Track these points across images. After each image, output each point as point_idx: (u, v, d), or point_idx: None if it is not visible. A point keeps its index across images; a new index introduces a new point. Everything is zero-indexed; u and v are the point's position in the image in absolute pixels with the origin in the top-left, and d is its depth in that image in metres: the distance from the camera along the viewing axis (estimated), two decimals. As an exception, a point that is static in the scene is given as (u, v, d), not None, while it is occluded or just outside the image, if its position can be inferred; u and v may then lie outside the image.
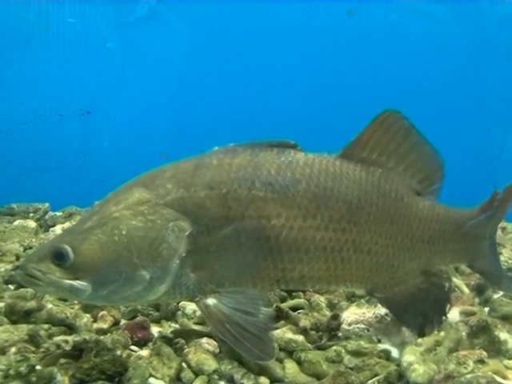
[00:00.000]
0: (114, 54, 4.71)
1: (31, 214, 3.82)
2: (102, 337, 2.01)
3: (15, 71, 4.38)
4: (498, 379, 1.84)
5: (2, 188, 4.17)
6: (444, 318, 2.01)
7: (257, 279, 1.71)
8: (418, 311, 1.94)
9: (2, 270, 2.56)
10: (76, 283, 1.56)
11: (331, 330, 2.21)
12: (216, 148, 1.79)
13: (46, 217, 3.76)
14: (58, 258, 1.56)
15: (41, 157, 4.37)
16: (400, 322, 2.05)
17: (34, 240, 3.16)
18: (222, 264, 1.65)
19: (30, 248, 2.99)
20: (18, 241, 3.05)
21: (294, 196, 1.70)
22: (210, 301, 1.65)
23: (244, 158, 1.73)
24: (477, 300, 2.64)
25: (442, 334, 2.14)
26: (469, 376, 1.83)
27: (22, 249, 3.01)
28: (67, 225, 3.41)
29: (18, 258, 2.81)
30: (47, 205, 3.97)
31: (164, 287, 1.64)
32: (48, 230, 3.45)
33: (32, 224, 3.51)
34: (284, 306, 2.30)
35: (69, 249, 1.56)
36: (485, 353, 2.04)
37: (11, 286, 2.53)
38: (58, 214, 3.82)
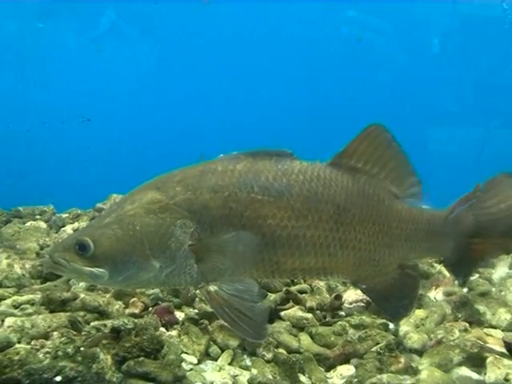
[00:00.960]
0: (107, 63, 4.89)
1: (38, 216, 4.00)
2: (135, 320, 2.26)
3: (19, 81, 4.55)
4: (480, 343, 2.17)
5: (7, 192, 4.33)
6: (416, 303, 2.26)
7: (253, 270, 1.91)
8: (396, 299, 2.12)
9: (28, 266, 2.76)
10: (95, 270, 1.76)
11: (334, 310, 2.51)
12: (221, 155, 2.01)
13: (54, 218, 3.94)
14: (81, 248, 1.76)
15: (43, 162, 4.52)
16: (380, 309, 2.30)
17: (47, 239, 3.36)
18: (223, 257, 1.85)
19: (47, 246, 3.19)
20: (35, 240, 3.24)
21: (289, 199, 1.89)
22: (212, 287, 1.85)
23: (245, 165, 1.93)
24: (456, 282, 2.98)
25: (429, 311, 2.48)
26: (457, 341, 2.17)
27: (38, 247, 3.21)
28: (76, 225, 3.61)
29: (38, 256, 3.01)
30: (52, 207, 4.16)
31: (171, 275, 1.85)
32: (59, 230, 3.63)
33: (43, 225, 3.69)
34: (292, 289, 2.58)
35: (90, 241, 1.77)
36: (467, 324, 2.38)
37: (38, 281, 2.74)
38: (64, 215, 4.00)
